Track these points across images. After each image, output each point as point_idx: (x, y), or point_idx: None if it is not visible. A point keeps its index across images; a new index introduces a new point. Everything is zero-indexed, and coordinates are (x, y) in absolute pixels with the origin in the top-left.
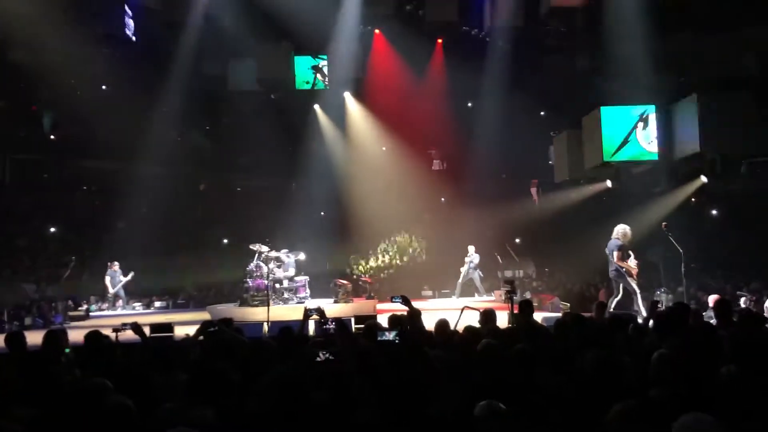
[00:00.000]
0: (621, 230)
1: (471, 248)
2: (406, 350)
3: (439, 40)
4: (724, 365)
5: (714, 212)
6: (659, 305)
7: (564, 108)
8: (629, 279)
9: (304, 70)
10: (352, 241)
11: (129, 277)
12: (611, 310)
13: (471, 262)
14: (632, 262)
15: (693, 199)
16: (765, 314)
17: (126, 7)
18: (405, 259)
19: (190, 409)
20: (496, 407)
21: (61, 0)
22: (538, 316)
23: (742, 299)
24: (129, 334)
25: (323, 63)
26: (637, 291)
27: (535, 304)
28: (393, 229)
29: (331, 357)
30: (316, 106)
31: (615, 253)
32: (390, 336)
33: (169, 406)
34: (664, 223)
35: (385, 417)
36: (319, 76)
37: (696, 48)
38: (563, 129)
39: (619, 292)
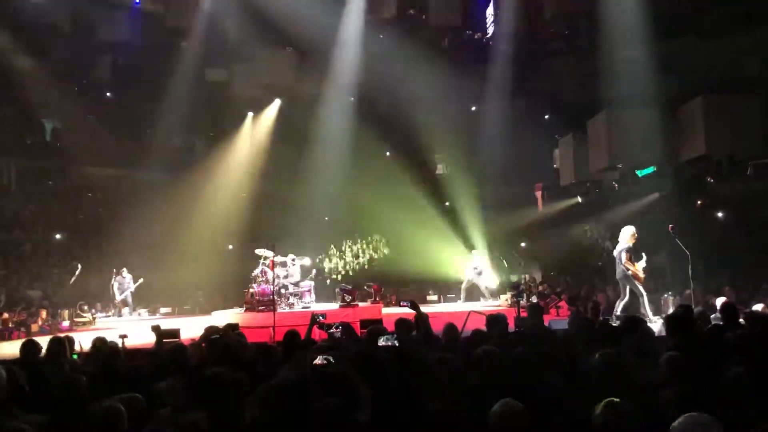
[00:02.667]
0: (628, 232)
1: (475, 253)
2: (404, 354)
3: (443, 44)
4: (731, 367)
5: (720, 214)
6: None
7: (568, 111)
8: (635, 281)
9: None
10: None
11: (138, 283)
12: (618, 312)
13: (475, 267)
14: (641, 265)
15: (698, 202)
16: None
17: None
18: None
19: (183, 414)
20: (513, 406)
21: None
22: (545, 321)
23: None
24: (134, 340)
25: None
26: (644, 293)
27: None
28: (396, 232)
29: (331, 360)
30: (321, 111)
31: (623, 255)
32: (387, 341)
33: (163, 412)
34: (670, 226)
35: (382, 417)
36: None
37: (700, 51)
38: (568, 132)
39: (625, 295)
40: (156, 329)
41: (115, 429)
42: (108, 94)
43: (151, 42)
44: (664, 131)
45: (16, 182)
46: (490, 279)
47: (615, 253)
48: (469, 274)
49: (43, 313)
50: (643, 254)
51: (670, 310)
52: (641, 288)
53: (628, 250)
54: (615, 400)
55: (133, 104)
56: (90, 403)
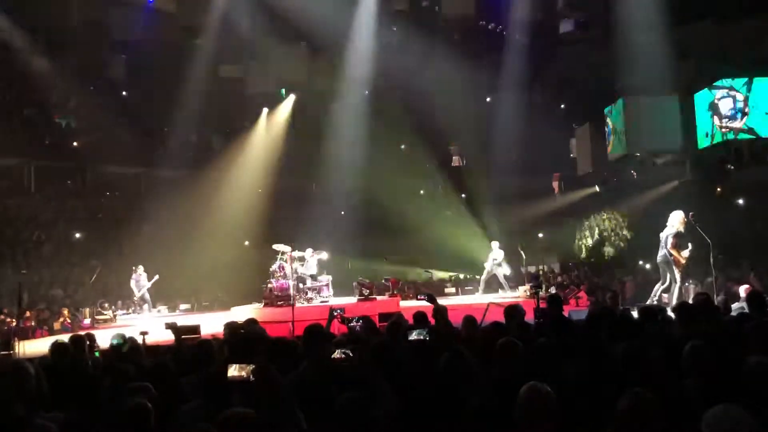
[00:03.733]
0: (678, 218)
1: (494, 244)
2: (438, 347)
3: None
4: (753, 356)
5: (740, 201)
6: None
7: (584, 100)
8: (675, 268)
9: None
10: (373, 240)
11: (154, 279)
12: (656, 296)
13: (495, 258)
14: (686, 253)
15: (719, 189)
16: None
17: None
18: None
19: (211, 408)
20: (540, 388)
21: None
22: (565, 311)
23: None
24: (155, 336)
25: None
26: (679, 282)
27: None
28: (414, 228)
29: (350, 353)
30: (336, 105)
31: (670, 240)
32: (419, 335)
33: (189, 406)
34: (690, 213)
35: (409, 412)
36: None
37: (717, 35)
38: (584, 121)
39: (666, 280)
40: (172, 326)
41: (142, 426)
42: (124, 93)
43: (165, 40)
44: (682, 118)
45: (35, 182)
46: (506, 270)
47: (662, 236)
48: (489, 265)
49: (66, 312)
50: (689, 244)
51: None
52: (678, 275)
53: (676, 236)
54: (639, 389)
55: (148, 102)
56: (113, 400)
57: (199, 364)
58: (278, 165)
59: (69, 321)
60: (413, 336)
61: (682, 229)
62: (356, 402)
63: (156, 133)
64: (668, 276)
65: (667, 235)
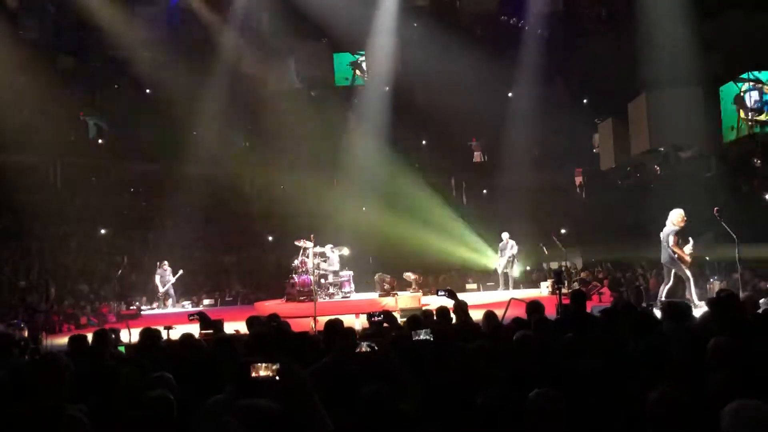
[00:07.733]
0: (677, 215)
1: (505, 235)
2: (441, 348)
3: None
4: None
5: (767, 196)
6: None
7: (607, 94)
8: (682, 265)
9: (343, 66)
10: (394, 235)
11: (178, 275)
12: (662, 298)
13: (512, 252)
14: (688, 249)
15: (744, 183)
16: None
17: None
18: None
19: (238, 400)
20: (549, 393)
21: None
22: (588, 307)
23: None
24: (180, 331)
25: (361, 59)
26: (691, 278)
27: None
28: (435, 223)
29: (374, 347)
30: (357, 101)
31: (671, 238)
32: (423, 335)
33: (218, 398)
34: (716, 208)
35: (430, 407)
36: (357, 72)
37: (745, 26)
38: (607, 116)
39: (669, 279)
40: (201, 315)
41: (164, 417)
42: (147, 90)
43: (188, 37)
44: (707, 111)
45: (61, 179)
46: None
47: (662, 236)
48: (504, 260)
49: (105, 307)
50: (690, 239)
51: None
52: (688, 272)
53: (677, 233)
54: (669, 386)
55: (172, 99)
56: (134, 391)
57: (223, 358)
58: (300, 161)
59: (94, 315)
60: (421, 336)
61: (680, 227)
62: (382, 395)
63: (179, 131)
64: (672, 276)
65: (667, 233)
